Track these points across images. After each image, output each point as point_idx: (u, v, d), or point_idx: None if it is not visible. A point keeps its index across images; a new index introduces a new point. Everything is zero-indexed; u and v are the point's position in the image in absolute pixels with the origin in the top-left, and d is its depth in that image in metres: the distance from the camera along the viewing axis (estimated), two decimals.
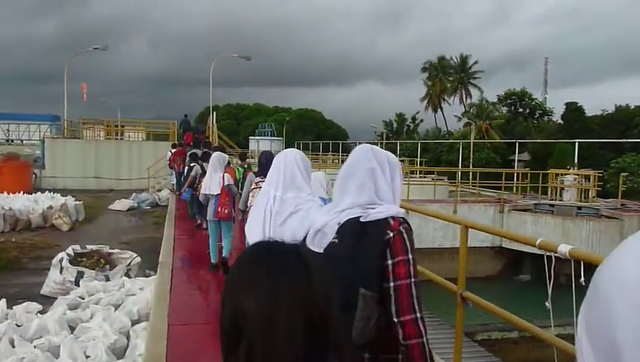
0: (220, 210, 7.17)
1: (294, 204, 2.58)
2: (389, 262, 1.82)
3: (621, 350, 0.54)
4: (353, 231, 1.86)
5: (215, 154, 7.94)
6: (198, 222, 10.70)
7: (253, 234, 2.66)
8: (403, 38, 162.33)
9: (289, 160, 2.69)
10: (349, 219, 1.89)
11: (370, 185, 1.91)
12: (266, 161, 6.52)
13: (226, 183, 7.35)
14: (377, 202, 1.91)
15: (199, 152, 12.31)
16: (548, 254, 2.89)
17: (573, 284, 2.82)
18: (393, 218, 1.91)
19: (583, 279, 2.49)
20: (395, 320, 1.78)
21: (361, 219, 1.88)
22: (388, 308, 1.80)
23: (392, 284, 1.81)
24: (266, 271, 0.88)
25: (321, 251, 1.89)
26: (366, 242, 1.83)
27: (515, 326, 3.21)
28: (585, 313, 0.58)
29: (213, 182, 7.40)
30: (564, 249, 2.62)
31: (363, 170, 1.93)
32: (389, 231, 1.86)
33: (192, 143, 22.31)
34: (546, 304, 2.82)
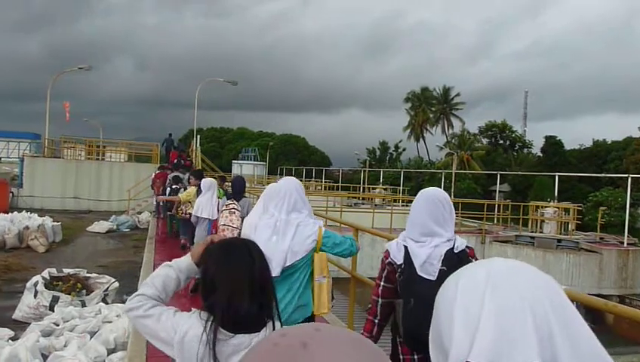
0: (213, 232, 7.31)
1: (297, 223, 3.12)
2: None
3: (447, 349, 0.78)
4: (456, 260, 2.37)
5: (208, 181, 8.22)
6: (182, 241, 10.68)
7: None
8: (388, 68, 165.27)
9: (290, 188, 3.20)
10: (448, 250, 2.48)
11: (449, 222, 2.59)
12: (238, 187, 7.30)
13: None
14: (453, 235, 2.58)
15: (183, 175, 12.41)
16: None
17: None
18: (468, 247, 2.60)
19: None
20: None
21: (455, 251, 2.48)
22: None
23: None
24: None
25: (434, 278, 2.39)
26: None
27: None
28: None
29: (212, 207, 7.67)
30: None
31: (439, 209, 2.59)
32: (471, 258, 2.52)
33: (175, 162, 22.26)
34: None
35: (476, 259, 2.30)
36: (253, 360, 0.59)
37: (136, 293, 1.81)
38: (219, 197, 8.21)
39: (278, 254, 2.97)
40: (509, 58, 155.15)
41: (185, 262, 1.90)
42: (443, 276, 1.96)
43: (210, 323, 1.62)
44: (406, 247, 2.53)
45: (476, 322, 0.75)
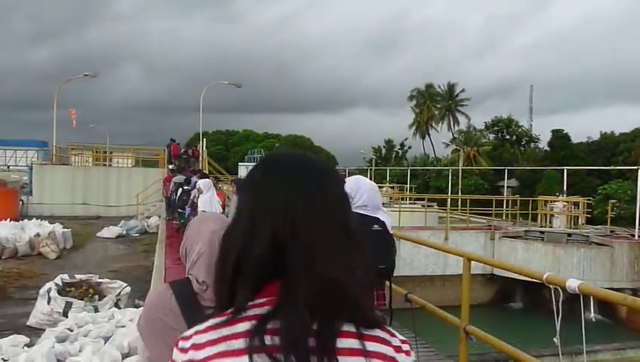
0: None
1: None
2: None
3: None
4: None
5: (207, 181, 9.20)
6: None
7: None
8: (393, 67, 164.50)
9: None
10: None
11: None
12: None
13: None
14: None
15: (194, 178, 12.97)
16: (554, 287, 2.85)
17: (583, 319, 2.78)
18: None
19: (593, 315, 2.45)
20: None
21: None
22: None
23: None
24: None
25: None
26: None
27: None
28: None
29: (213, 205, 8.52)
30: (573, 284, 2.58)
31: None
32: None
33: (180, 153, 23.07)
34: (555, 340, 2.77)
35: None
36: None
37: None
38: None
39: None
40: (516, 53, 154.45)
41: None
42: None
43: None
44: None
45: None
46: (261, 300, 0.87)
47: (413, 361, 0.92)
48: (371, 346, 0.87)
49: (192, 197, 11.70)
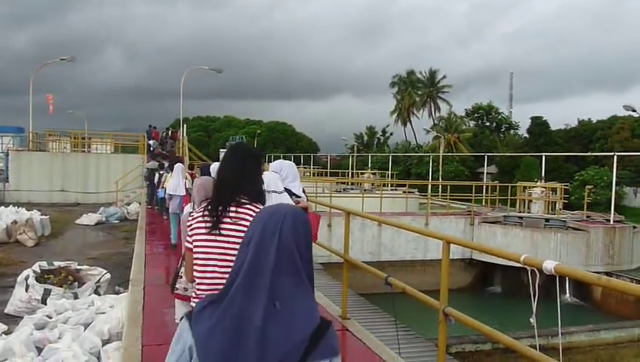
0: (184, 205, 8.52)
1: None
2: None
3: None
4: None
5: (178, 165, 10.35)
6: (165, 217, 12.66)
7: None
8: (378, 53, 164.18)
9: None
10: None
11: None
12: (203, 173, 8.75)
13: (187, 187, 9.72)
14: None
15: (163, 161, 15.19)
16: (532, 269, 2.90)
17: (559, 299, 2.83)
18: None
19: (568, 295, 2.50)
20: None
21: None
22: None
23: None
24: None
25: None
26: None
27: (500, 343, 3.21)
28: None
29: (180, 186, 9.90)
30: (549, 265, 2.63)
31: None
32: None
33: (162, 137, 23.16)
34: (531, 320, 2.82)
35: None
36: None
37: None
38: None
39: None
40: (499, 41, 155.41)
41: None
42: None
43: None
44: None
45: None
46: None
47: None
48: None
49: (162, 179, 13.12)
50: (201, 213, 2.49)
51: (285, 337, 1.18)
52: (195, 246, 2.45)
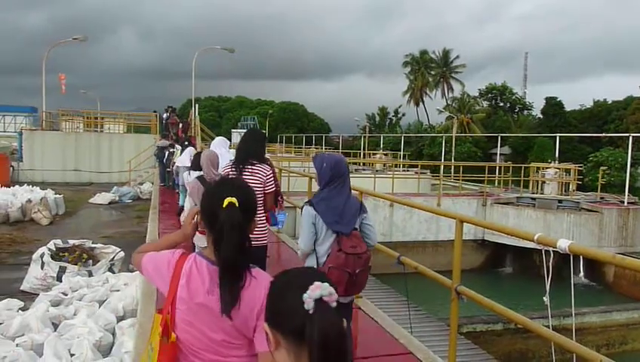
0: None
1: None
2: None
3: None
4: None
5: (190, 149, 11.16)
6: (177, 191, 12.90)
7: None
8: (391, 34, 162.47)
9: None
10: None
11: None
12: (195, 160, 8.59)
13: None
14: None
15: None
16: (545, 249, 2.88)
17: (572, 279, 2.81)
18: None
19: (582, 275, 2.47)
20: None
21: None
22: None
23: None
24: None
25: None
26: None
27: (511, 321, 3.21)
28: None
29: (187, 160, 10.16)
30: (563, 244, 2.60)
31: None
32: None
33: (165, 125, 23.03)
34: (544, 299, 2.81)
35: None
36: None
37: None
38: None
39: None
40: (514, 22, 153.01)
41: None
42: None
43: None
44: None
45: None
46: None
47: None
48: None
49: (172, 157, 14.43)
50: (229, 168, 4.40)
51: (353, 207, 3.19)
52: None
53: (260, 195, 4.22)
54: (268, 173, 4.33)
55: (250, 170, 4.26)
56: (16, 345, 5.18)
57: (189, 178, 6.38)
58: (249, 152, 4.35)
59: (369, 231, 3.24)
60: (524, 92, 62.49)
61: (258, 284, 1.70)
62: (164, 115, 23.33)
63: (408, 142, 44.13)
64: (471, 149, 43.26)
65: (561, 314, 8.20)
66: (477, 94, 57.33)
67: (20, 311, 6.47)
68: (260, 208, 4.22)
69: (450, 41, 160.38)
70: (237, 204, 1.71)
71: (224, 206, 1.70)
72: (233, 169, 4.29)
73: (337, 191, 3.14)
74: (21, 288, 8.26)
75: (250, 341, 1.73)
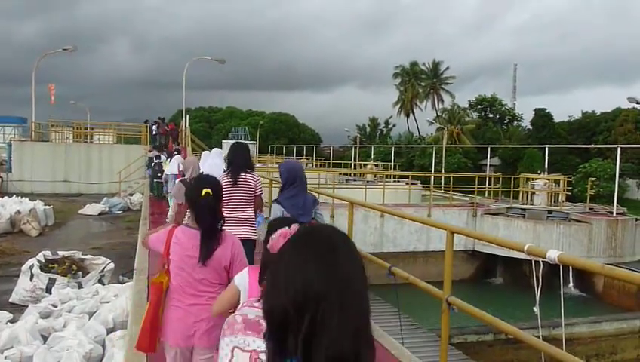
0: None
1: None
2: None
3: None
4: None
5: (177, 157, 11.53)
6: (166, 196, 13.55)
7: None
8: (383, 45, 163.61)
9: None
10: None
11: None
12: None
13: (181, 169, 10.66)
14: None
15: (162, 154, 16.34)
16: (535, 259, 2.92)
17: (562, 289, 2.83)
18: None
19: (572, 284, 2.51)
20: None
21: None
22: None
23: None
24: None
25: None
26: None
27: (502, 331, 3.23)
28: None
29: (172, 166, 10.97)
30: (553, 254, 2.64)
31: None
32: None
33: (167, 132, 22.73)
34: (534, 309, 2.84)
35: None
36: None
37: None
38: None
39: None
40: (505, 33, 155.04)
41: None
42: None
43: None
44: None
45: None
46: None
47: None
48: None
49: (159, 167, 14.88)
50: (225, 177, 5.02)
51: (310, 203, 4.19)
52: (224, 192, 3.66)
53: (251, 198, 5.18)
54: (257, 179, 5.30)
55: (243, 178, 5.13)
56: (5, 358, 5.13)
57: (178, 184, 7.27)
58: (241, 163, 5.19)
59: (320, 219, 4.27)
60: (514, 103, 63.12)
61: (226, 244, 2.72)
62: (154, 127, 23.34)
63: (399, 153, 44.33)
64: (461, 160, 43.50)
65: (551, 324, 8.24)
66: (467, 106, 57.79)
67: (8, 323, 6.42)
68: (250, 208, 5.17)
69: (441, 53, 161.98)
70: (211, 193, 2.66)
71: (202, 195, 2.65)
72: (229, 177, 5.08)
73: (298, 190, 4.18)
74: (10, 300, 8.18)
75: (222, 280, 2.69)
